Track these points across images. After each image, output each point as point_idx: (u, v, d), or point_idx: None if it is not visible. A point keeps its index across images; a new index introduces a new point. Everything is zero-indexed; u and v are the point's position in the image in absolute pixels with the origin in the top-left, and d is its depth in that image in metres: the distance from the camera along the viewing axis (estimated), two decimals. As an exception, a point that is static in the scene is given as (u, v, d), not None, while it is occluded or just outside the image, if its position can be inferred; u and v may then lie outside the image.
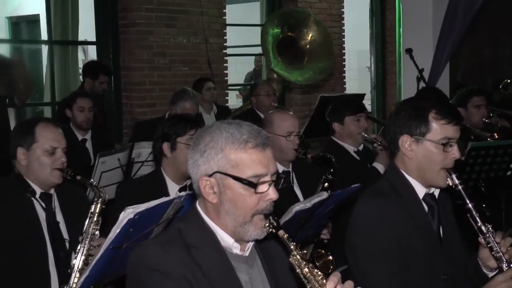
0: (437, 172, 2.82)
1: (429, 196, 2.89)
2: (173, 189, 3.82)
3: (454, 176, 2.80)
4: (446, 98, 6.12)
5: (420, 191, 2.88)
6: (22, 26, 10.98)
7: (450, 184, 2.81)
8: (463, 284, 2.83)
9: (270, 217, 2.21)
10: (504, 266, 2.70)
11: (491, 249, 2.74)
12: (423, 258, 2.79)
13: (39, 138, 3.40)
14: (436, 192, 2.92)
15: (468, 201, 2.77)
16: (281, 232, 2.17)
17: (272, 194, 2.21)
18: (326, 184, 4.39)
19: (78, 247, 3.30)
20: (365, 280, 2.73)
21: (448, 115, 2.83)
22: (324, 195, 3.57)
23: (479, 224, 2.75)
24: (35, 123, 3.47)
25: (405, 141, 2.85)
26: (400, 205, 2.82)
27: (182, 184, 3.83)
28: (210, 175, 2.21)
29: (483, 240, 2.77)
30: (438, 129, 2.81)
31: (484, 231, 2.75)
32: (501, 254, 2.71)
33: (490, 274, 2.82)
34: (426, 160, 2.83)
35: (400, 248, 2.75)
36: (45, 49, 9.67)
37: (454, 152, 2.81)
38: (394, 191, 2.86)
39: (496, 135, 5.64)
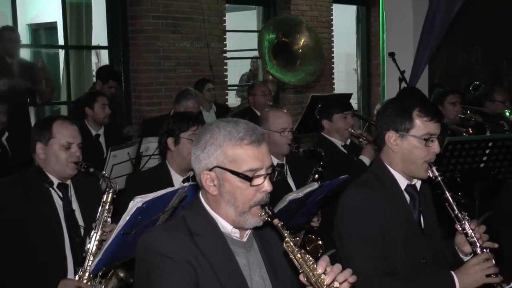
0: (420, 165, 2.81)
1: (411, 187, 2.89)
2: (177, 180, 3.81)
3: (434, 169, 2.80)
4: (425, 98, 6.12)
5: (403, 182, 2.88)
6: (41, 32, 10.97)
7: (431, 175, 2.81)
8: (441, 267, 2.82)
9: (266, 207, 2.21)
10: (478, 250, 2.70)
11: (466, 235, 2.73)
12: (404, 243, 2.79)
13: (56, 134, 3.39)
14: (418, 183, 2.92)
15: (446, 191, 2.76)
16: (276, 221, 2.17)
17: (267, 186, 2.21)
18: (317, 175, 4.38)
19: (92, 233, 3.30)
20: (351, 263, 2.71)
21: (430, 113, 2.83)
22: (315, 185, 3.57)
23: (456, 212, 2.75)
24: (52, 120, 3.46)
25: (391, 136, 2.85)
26: (383, 195, 2.81)
27: (185, 176, 3.83)
28: (210, 169, 2.21)
29: (459, 227, 2.76)
30: (421, 125, 2.81)
31: (461, 218, 2.75)
32: (475, 239, 2.71)
33: (465, 258, 2.82)
34: (410, 154, 2.82)
35: (383, 234, 2.75)
36: (61, 53, 9.67)
37: (435, 147, 2.81)
38: (379, 182, 2.86)
39: (470, 130, 5.66)
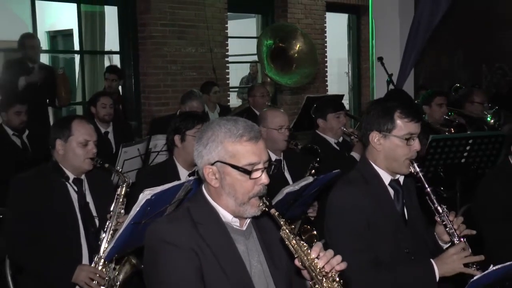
0: (402, 162, 2.81)
1: (394, 182, 2.88)
2: (183, 174, 3.81)
3: (415, 165, 2.79)
4: (411, 98, 6.12)
5: (386, 178, 2.87)
6: (58, 39, 10.96)
7: (412, 171, 2.80)
8: (423, 255, 2.80)
9: (264, 198, 2.21)
10: (456, 240, 2.69)
11: (445, 226, 2.73)
12: (389, 235, 2.78)
13: (74, 132, 3.39)
14: (401, 178, 2.91)
15: (427, 186, 2.75)
16: (272, 210, 2.17)
17: (264, 179, 2.21)
18: (313, 171, 4.39)
19: (107, 223, 3.30)
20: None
21: (410, 114, 2.82)
22: (310, 179, 3.57)
23: (436, 205, 2.74)
24: (71, 119, 3.46)
25: (374, 137, 2.84)
26: (368, 191, 2.81)
27: (191, 170, 3.81)
28: (212, 164, 2.21)
29: (439, 219, 2.76)
30: (402, 126, 2.80)
31: (440, 211, 2.74)
32: (453, 230, 2.70)
33: (445, 246, 2.82)
34: (392, 152, 2.82)
35: (368, 228, 2.74)
36: (77, 58, 9.67)
37: (416, 145, 2.80)
38: (363, 179, 2.85)
39: (452, 130, 5.66)
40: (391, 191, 2.88)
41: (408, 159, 2.79)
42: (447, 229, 2.72)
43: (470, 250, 2.65)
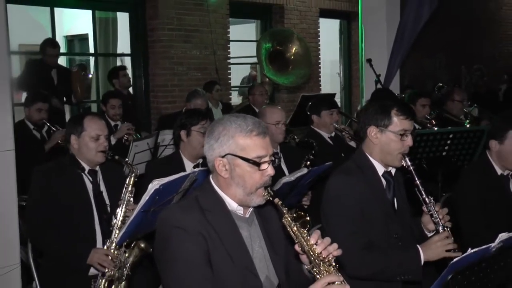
0: (395, 156, 2.81)
1: (387, 173, 2.88)
2: (188, 166, 3.81)
3: (407, 159, 2.79)
4: (397, 97, 6.11)
5: (380, 169, 2.87)
6: (75, 42, 10.95)
7: (404, 165, 2.80)
8: (410, 241, 2.82)
9: (268, 188, 2.21)
10: (440, 229, 2.70)
11: (431, 215, 2.74)
12: (380, 221, 2.79)
13: (87, 128, 3.38)
14: (393, 170, 2.91)
15: (416, 179, 2.76)
16: (276, 200, 2.17)
17: (270, 170, 2.21)
18: (308, 162, 4.39)
19: (117, 210, 3.29)
20: (333, 238, 2.72)
21: (405, 112, 2.82)
22: (304, 170, 3.56)
23: (424, 196, 2.75)
24: (83, 116, 3.46)
25: (372, 131, 2.84)
26: (363, 180, 2.80)
27: (195, 162, 3.82)
28: (223, 156, 2.20)
29: (426, 209, 2.76)
30: (398, 122, 2.80)
31: (427, 202, 2.74)
32: (438, 220, 2.71)
33: (429, 234, 2.82)
34: (387, 146, 2.81)
35: (361, 214, 2.74)
36: (92, 60, 9.70)
37: (409, 141, 2.80)
38: (359, 169, 2.85)
39: (433, 121, 5.70)
40: (384, 182, 2.87)
41: (401, 153, 2.80)
42: (433, 218, 2.73)
43: (452, 238, 2.66)
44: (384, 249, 2.75)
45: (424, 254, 2.66)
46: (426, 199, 2.74)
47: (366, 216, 2.75)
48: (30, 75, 6.49)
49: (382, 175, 2.87)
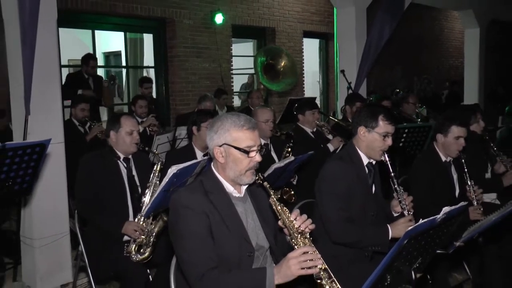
0: (377, 152, 2.78)
1: (369, 164, 2.85)
2: (199, 155, 3.79)
3: (386, 155, 2.77)
4: (365, 99, 6.08)
5: (365, 160, 2.83)
6: (110, 57, 10.90)
7: (383, 159, 2.78)
8: (382, 219, 2.80)
9: (260, 174, 2.18)
10: (405, 213, 2.70)
11: (400, 202, 2.73)
12: (361, 201, 2.76)
13: (123, 125, 3.36)
14: (374, 162, 2.87)
15: (391, 171, 2.73)
16: (265, 183, 2.15)
17: (257, 157, 2.18)
18: (289, 149, 4.38)
19: (146, 191, 3.28)
20: (323, 211, 2.72)
21: (390, 119, 2.79)
22: (292, 158, 3.56)
23: (396, 186, 2.73)
24: (120, 116, 3.44)
25: (361, 130, 2.81)
26: (352, 166, 2.78)
27: (205, 152, 3.79)
28: (220, 146, 2.18)
29: (396, 196, 2.75)
30: (383, 126, 2.77)
31: (398, 190, 2.73)
32: (405, 205, 2.70)
33: (395, 215, 2.82)
34: (372, 143, 2.78)
35: (348, 193, 2.72)
36: (124, 71, 9.66)
37: (389, 141, 2.78)
38: (350, 158, 2.82)
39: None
40: (366, 170, 2.84)
41: (381, 150, 2.77)
42: (401, 204, 2.71)
43: (414, 221, 2.64)
44: (362, 224, 2.73)
45: (392, 231, 2.64)
46: (397, 188, 2.73)
47: (351, 196, 2.72)
48: (72, 84, 6.45)
49: (366, 165, 2.83)
